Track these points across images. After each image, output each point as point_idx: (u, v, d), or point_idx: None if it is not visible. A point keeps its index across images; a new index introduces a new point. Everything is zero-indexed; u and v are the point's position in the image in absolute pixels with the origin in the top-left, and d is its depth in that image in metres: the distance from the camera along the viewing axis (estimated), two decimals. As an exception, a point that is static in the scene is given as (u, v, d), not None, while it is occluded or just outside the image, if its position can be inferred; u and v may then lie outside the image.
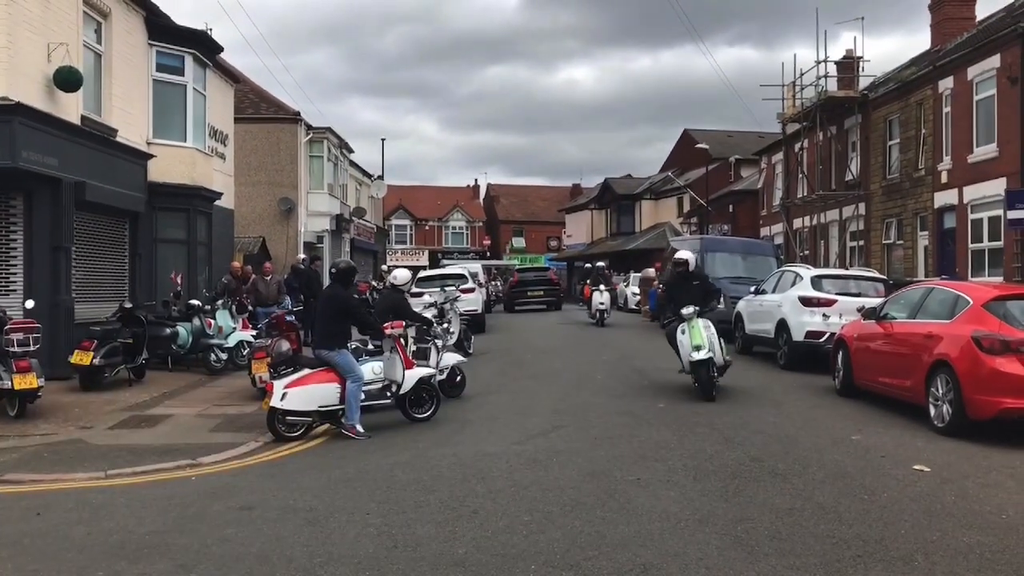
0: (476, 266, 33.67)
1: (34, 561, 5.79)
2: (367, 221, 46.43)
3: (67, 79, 14.00)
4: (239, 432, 10.58)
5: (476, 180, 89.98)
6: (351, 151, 42.43)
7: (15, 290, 13.76)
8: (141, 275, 17.63)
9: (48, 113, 13.83)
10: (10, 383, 10.65)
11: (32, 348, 10.93)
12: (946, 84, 23.51)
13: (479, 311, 24.37)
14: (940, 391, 9.64)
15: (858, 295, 15.20)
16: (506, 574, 5.31)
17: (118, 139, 16.46)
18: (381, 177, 48.16)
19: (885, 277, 18.53)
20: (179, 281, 17.65)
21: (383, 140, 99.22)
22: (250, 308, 17.03)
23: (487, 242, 77.80)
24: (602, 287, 26.71)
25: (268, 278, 18.93)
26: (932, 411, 9.76)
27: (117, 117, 16.48)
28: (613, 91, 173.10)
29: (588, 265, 34.54)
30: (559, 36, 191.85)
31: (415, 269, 34.85)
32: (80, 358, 12.96)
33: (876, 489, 7.13)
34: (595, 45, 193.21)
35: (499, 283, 43.67)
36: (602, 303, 26.18)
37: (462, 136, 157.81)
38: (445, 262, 51.32)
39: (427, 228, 78.46)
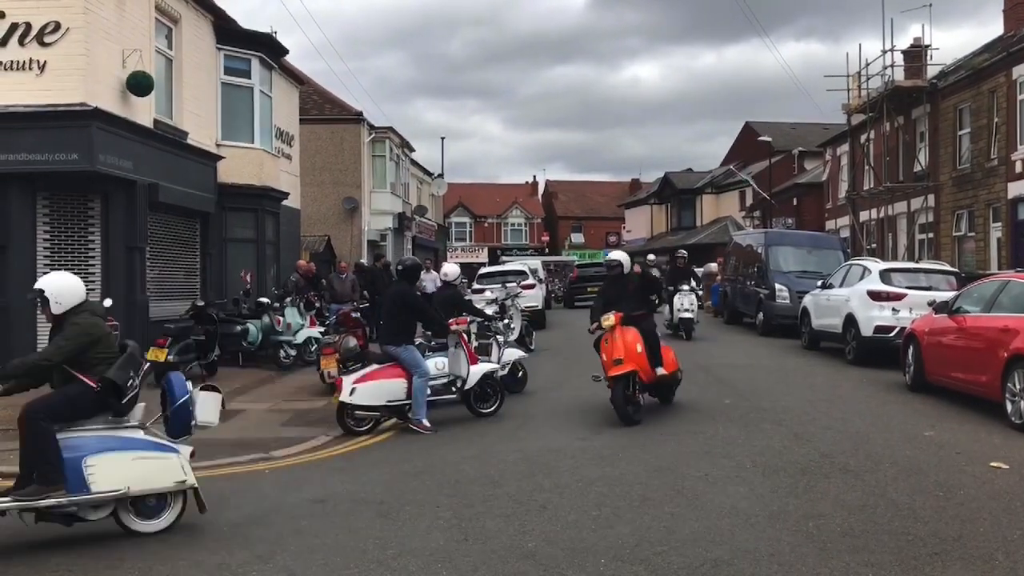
0: (536, 262, 33.69)
1: (119, 549, 6.01)
2: (428, 219, 46.86)
3: (139, 83, 14.43)
4: (309, 426, 10.80)
5: (534, 177, 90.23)
6: (412, 150, 42.86)
7: (93, 289, 14.17)
8: (212, 274, 18.08)
9: (123, 117, 14.27)
10: (92, 379, 10.98)
11: (111, 345, 11.25)
12: (1020, 71, 22.76)
13: (540, 307, 24.40)
14: (1017, 386, 9.38)
15: (929, 289, 14.84)
16: (576, 568, 5.35)
17: (189, 141, 16.90)
18: (441, 175, 48.57)
19: (958, 270, 18.05)
20: (248, 279, 18.06)
21: (443, 139, 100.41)
22: (318, 305, 17.34)
23: (546, 238, 77.81)
24: (686, 287, 20.17)
25: (344, 276, 19.53)
26: (1009, 407, 9.51)
27: (188, 120, 16.92)
28: (676, 87, 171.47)
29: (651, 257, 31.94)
30: (624, 35, 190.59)
31: (473, 265, 34.97)
32: (155, 355, 13.30)
33: (952, 486, 6.98)
34: (660, 42, 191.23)
35: (557, 282, 42.94)
36: (686, 308, 19.70)
37: (525, 134, 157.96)
38: (504, 258, 51.54)
39: (486, 225, 78.78)
